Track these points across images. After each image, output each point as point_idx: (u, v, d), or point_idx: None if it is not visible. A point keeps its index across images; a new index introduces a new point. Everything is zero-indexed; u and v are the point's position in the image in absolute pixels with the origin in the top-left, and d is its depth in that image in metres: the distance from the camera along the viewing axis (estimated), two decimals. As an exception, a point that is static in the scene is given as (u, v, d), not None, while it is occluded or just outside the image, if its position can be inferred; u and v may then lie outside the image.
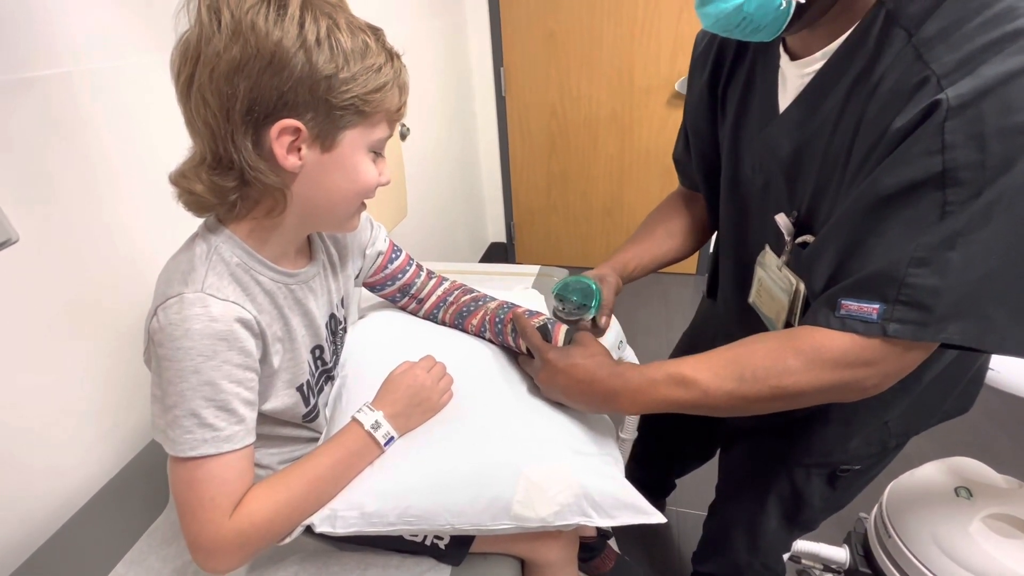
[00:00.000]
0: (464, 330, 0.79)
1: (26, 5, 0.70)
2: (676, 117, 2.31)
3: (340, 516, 0.55)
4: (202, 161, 0.50)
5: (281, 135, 0.47)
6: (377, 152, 0.55)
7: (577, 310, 0.73)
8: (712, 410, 0.58)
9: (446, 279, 0.82)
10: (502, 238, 2.88)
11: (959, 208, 0.45)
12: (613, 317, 0.77)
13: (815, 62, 0.57)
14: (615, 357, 0.69)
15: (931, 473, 1.07)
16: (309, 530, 0.59)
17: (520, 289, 1.14)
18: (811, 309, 0.56)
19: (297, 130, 0.48)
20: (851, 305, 0.50)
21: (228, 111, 0.46)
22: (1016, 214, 0.44)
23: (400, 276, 0.78)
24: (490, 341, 0.77)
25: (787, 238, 0.63)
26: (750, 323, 0.73)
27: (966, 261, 0.45)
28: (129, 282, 0.88)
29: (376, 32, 0.52)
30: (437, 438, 0.61)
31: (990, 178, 0.43)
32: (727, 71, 0.71)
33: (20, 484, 0.75)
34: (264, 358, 0.55)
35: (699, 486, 1.18)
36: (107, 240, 0.84)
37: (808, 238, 0.60)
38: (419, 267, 0.80)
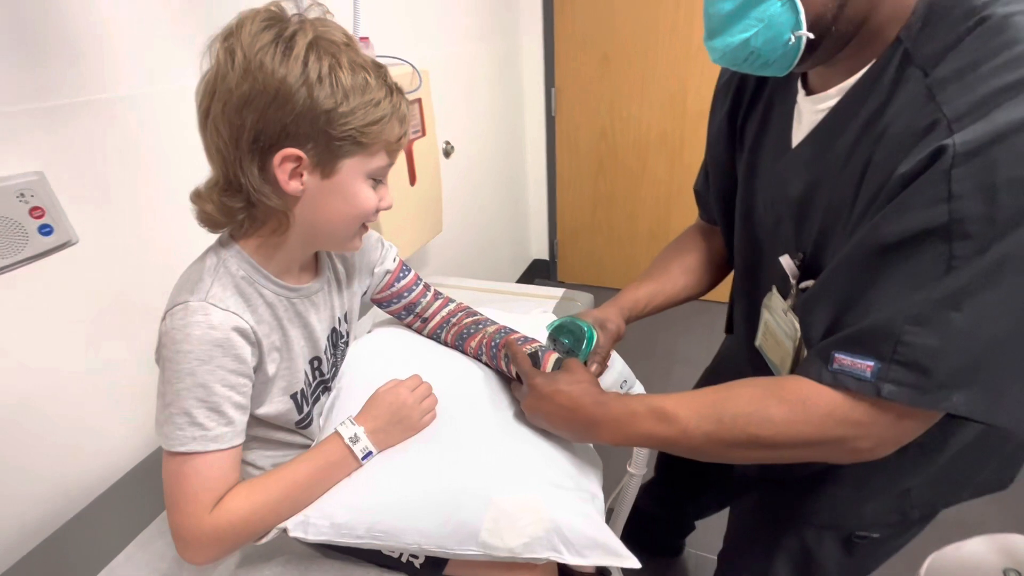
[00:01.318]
0: (463, 352, 0.80)
1: (89, 35, 0.79)
2: (729, 142, 2.24)
3: (312, 523, 0.58)
4: (216, 184, 0.55)
5: (283, 162, 0.51)
6: (377, 179, 0.58)
7: (567, 353, 0.72)
8: (691, 451, 0.56)
9: (453, 300, 0.85)
10: (545, 255, 2.89)
11: (964, 264, 0.41)
12: (617, 357, 0.76)
13: (830, 98, 0.55)
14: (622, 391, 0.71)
15: (978, 549, 0.96)
16: None
17: (538, 312, 1.14)
18: (805, 360, 0.53)
19: (298, 158, 0.51)
20: (844, 360, 0.47)
21: (237, 140, 0.51)
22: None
23: (406, 295, 0.80)
24: (486, 364, 0.78)
25: (792, 281, 0.60)
26: (760, 366, 0.70)
27: (972, 323, 0.41)
28: (169, 288, 0.96)
29: (379, 69, 0.55)
30: (414, 457, 0.62)
31: (1000, 233, 0.40)
32: (747, 102, 0.69)
33: (55, 463, 0.83)
34: (259, 366, 0.59)
35: (721, 529, 1.13)
36: (151, 248, 0.93)
37: (811, 283, 0.56)
38: (426, 287, 0.82)
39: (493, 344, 0.77)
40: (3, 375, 0.75)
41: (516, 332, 0.78)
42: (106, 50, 0.82)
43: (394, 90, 0.55)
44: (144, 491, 0.85)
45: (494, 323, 0.81)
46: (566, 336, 0.74)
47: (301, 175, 0.53)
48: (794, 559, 0.75)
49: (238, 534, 0.56)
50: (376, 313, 0.92)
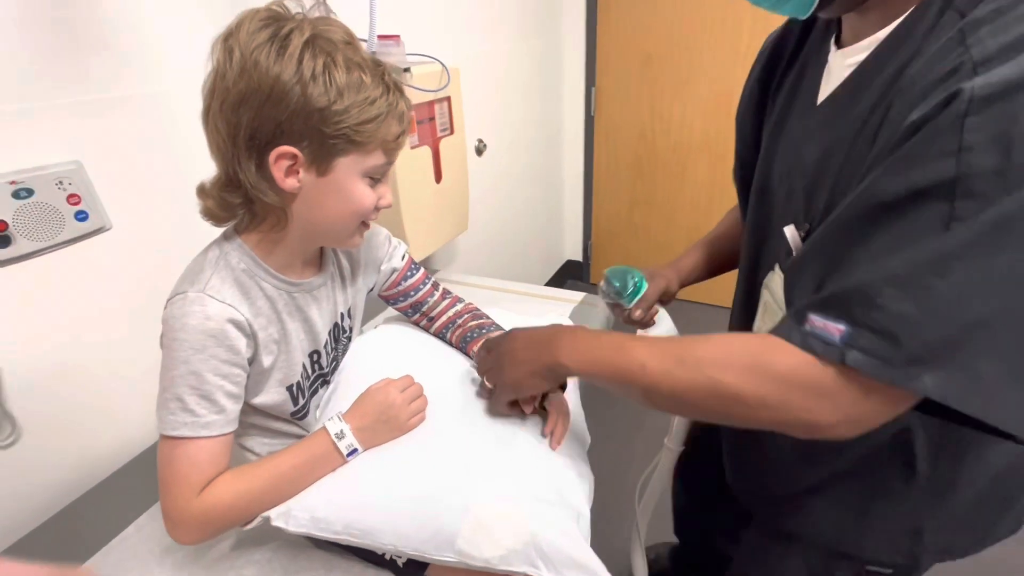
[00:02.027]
0: (467, 354, 0.80)
1: (128, 32, 0.84)
2: (776, 147, 2.14)
3: (293, 515, 0.59)
4: (218, 180, 0.56)
5: (279, 160, 0.52)
6: (375, 178, 0.58)
7: (615, 295, 0.79)
8: (649, 392, 0.51)
9: (461, 301, 0.84)
10: (578, 256, 2.85)
11: (961, 225, 0.36)
12: (666, 316, 0.82)
13: (859, 52, 0.49)
14: None
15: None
16: None
17: (555, 316, 1.12)
18: (780, 320, 0.48)
19: (294, 156, 0.52)
20: (817, 322, 0.42)
21: (234, 137, 0.52)
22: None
23: (413, 293, 0.81)
24: None
25: (795, 252, 0.54)
26: None
27: (958, 293, 0.36)
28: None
29: (376, 68, 0.55)
30: (398, 458, 0.62)
31: (1006, 193, 0.34)
32: (782, 68, 0.63)
33: (80, 437, 0.89)
34: (255, 358, 0.60)
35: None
36: (180, 237, 0.96)
37: None
38: (434, 287, 0.83)
39: None
40: (35, 353, 0.81)
41: None
42: (144, 47, 0.86)
43: (392, 88, 0.55)
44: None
45: (499, 328, 0.80)
46: (618, 279, 0.79)
47: (297, 172, 0.54)
48: None
49: (223, 518, 0.57)
50: (391, 311, 0.93)
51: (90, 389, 0.88)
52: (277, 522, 0.59)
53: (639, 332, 0.83)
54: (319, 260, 0.69)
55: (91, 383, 0.88)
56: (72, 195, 0.80)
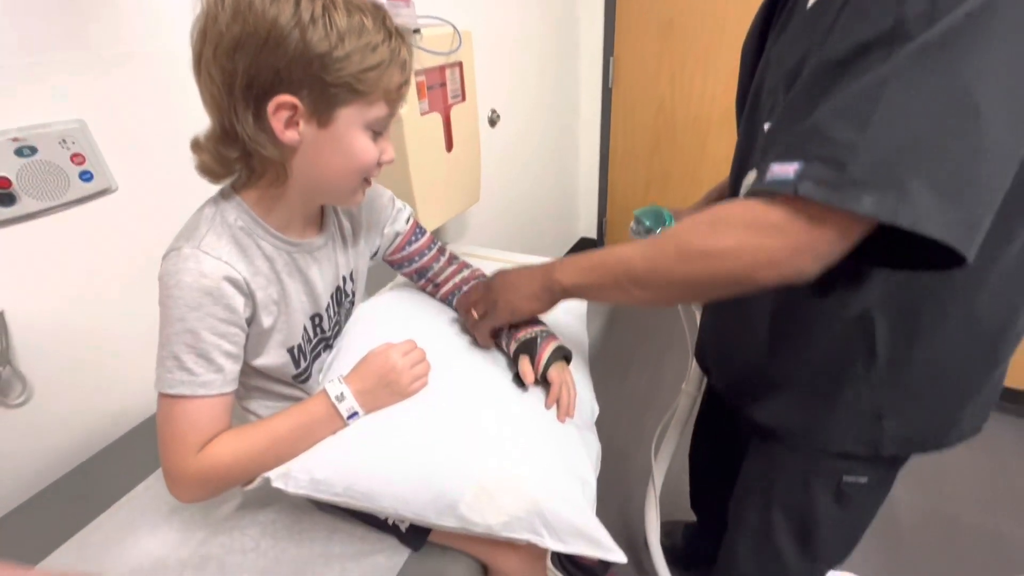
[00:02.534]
0: None
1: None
2: (801, 120, 2.05)
3: (293, 476, 0.58)
4: (213, 133, 0.54)
5: (278, 110, 0.50)
6: (376, 131, 0.55)
7: (646, 232, 0.86)
8: (633, 279, 0.54)
9: (468, 266, 0.82)
10: (593, 234, 2.81)
11: (894, 58, 0.39)
12: None
13: None
14: None
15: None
16: None
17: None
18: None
19: (293, 106, 0.50)
20: (776, 168, 0.44)
21: (230, 86, 0.49)
22: (955, 69, 0.37)
23: (417, 259, 0.79)
24: None
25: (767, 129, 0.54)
26: None
27: (889, 117, 0.39)
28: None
29: (378, 11, 0.52)
30: (399, 423, 0.61)
31: (930, 25, 0.37)
32: None
33: (90, 398, 0.89)
34: (254, 317, 0.59)
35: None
36: (184, 198, 0.95)
37: None
38: (440, 252, 0.80)
39: None
40: (44, 313, 0.81)
41: None
42: (146, 2, 0.84)
43: (394, 34, 0.52)
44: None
45: None
46: (648, 219, 0.87)
47: (297, 124, 0.51)
48: (790, 515, 0.72)
49: (222, 478, 0.57)
50: (398, 279, 0.91)
51: (98, 350, 0.89)
52: (277, 483, 0.58)
53: None
54: (320, 220, 0.67)
55: (99, 344, 0.88)
56: (76, 154, 0.79)
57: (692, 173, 2.40)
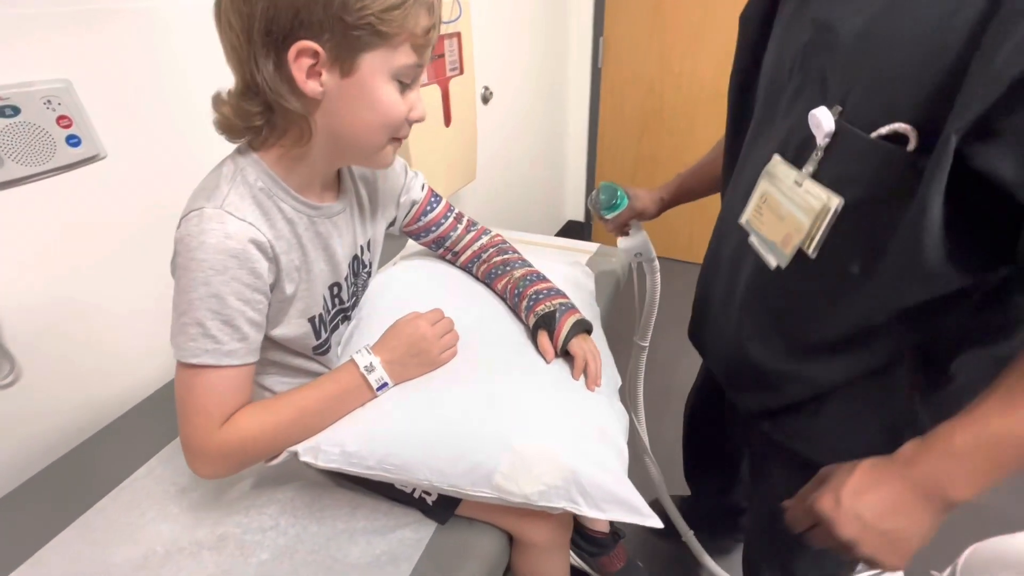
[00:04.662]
0: (493, 289, 0.77)
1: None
2: (789, 103, 2.08)
3: (323, 450, 0.56)
4: (236, 87, 0.51)
5: (299, 57, 0.47)
6: (404, 82, 0.52)
7: (596, 205, 0.93)
8: None
9: (487, 232, 0.80)
10: (580, 217, 2.80)
11: None
12: (642, 233, 0.96)
13: None
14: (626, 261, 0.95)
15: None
16: None
17: (567, 264, 1.09)
18: None
19: (315, 53, 0.47)
20: None
21: (249, 32, 0.46)
22: None
23: (434, 228, 0.76)
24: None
25: (822, 140, 0.47)
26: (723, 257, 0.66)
27: None
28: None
29: None
30: (432, 393, 0.59)
31: None
32: None
33: (82, 379, 0.85)
34: (276, 283, 0.56)
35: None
36: (182, 163, 0.91)
37: (898, 128, 0.42)
38: (457, 219, 0.78)
39: (516, 291, 0.73)
40: (31, 287, 0.76)
41: (544, 280, 0.73)
42: (133, -47, 0.78)
43: None
44: (165, 411, 0.86)
45: (523, 265, 0.76)
46: (604, 193, 0.92)
47: (319, 74, 0.48)
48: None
49: (246, 452, 0.54)
50: (410, 248, 0.89)
51: (89, 327, 0.84)
52: (305, 457, 0.56)
53: (619, 240, 0.99)
54: (337, 185, 0.64)
55: (90, 321, 0.84)
56: (62, 116, 0.74)
57: (680, 155, 2.41)
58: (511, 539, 0.68)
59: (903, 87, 0.42)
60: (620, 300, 1.16)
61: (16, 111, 0.69)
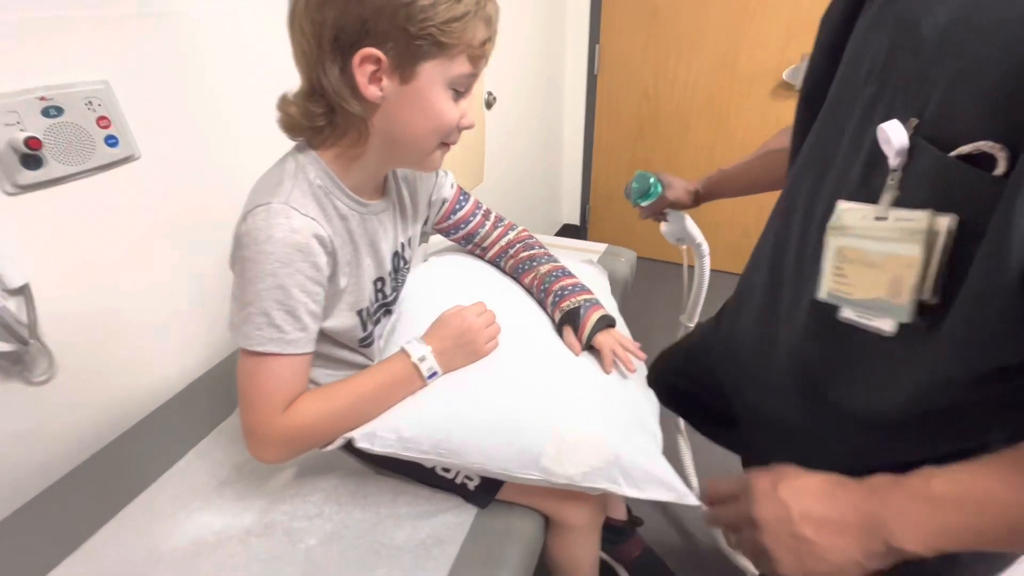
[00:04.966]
0: (520, 284, 0.80)
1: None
2: (779, 110, 2.16)
3: (379, 436, 0.59)
4: (300, 89, 0.54)
5: (363, 63, 0.50)
6: (458, 90, 0.56)
7: (633, 196, 0.96)
8: (1007, 531, 0.37)
9: (514, 228, 0.84)
10: (575, 220, 2.85)
11: None
12: (687, 219, 0.97)
13: None
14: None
15: None
16: (352, 449, 0.63)
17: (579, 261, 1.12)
18: None
19: (378, 59, 0.50)
20: None
21: (319, 38, 0.49)
22: None
23: (463, 225, 0.80)
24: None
25: (894, 160, 0.39)
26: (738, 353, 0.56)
27: None
28: (227, 207, 0.97)
29: None
30: (479, 381, 0.62)
31: None
32: None
33: (115, 375, 0.86)
34: (332, 276, 0.59)
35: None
36: (214, 166, 0.93)
37: (983, 147, 0.34)
38: (485, 216, 0.81)
39: (543, 287, 0.77)
40: (67, 285, 0.77)
41: (568, 276, 0.77)
42: (171, -41, 0.80)
43: None
44: (196, 407, 0.87)
45: (549, 261, 0.80)
46: (638, 181, 0.94)
47: (380, 80, 0.51)
48: None
49: (306, 438, 0.57)
50: (431, 245, 0.92)
51: (119, 323, 0.85)
52: (361, 443, 0.59)
53: (661, 226, 1.02)
54: (383, 186, 0.67)
55: (120, 317, 0.84)
56: (102, 117, 0.75)
57: (674, 161, 2.48)
58: (547, 522, 0.71)
59: (989, 94, 0.34)
60: (627, 300, 1.20)
61: (60, 111, 0.71)
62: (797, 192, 0.53)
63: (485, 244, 0.81)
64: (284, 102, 0.54)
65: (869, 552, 0.40)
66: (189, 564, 0.62)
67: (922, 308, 0.39)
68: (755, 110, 2.21)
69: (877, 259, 0.41)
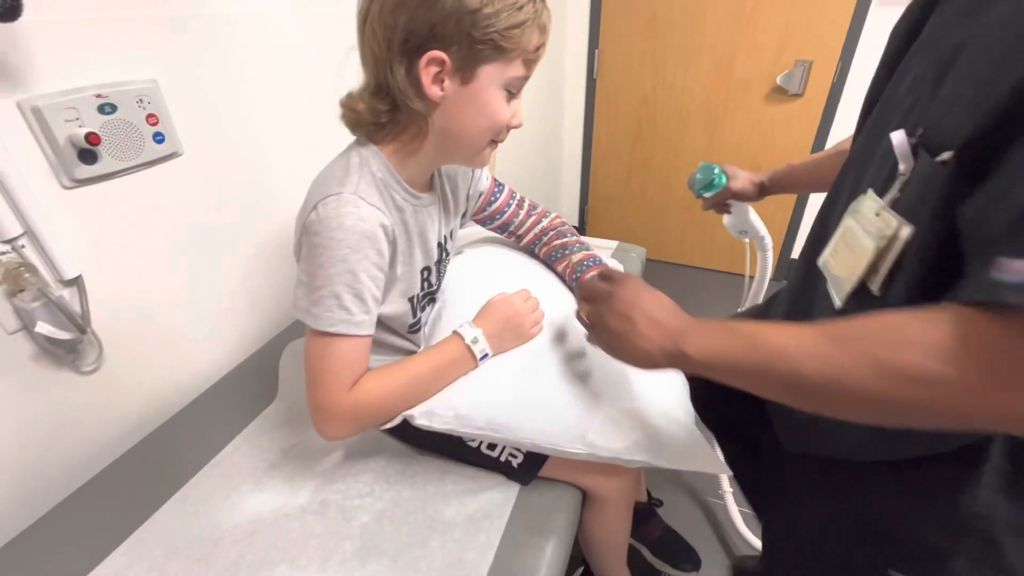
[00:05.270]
0: (554, 271, 0.85)
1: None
2: (772, 115, 2.23)
3: (437, 413, 0.62)
4: (367, 87, 0.58)
5: (428, 65, 0.54)
6: (511, 92, 0.60)
7: (696, 186, 0.97)
8: (793, 382, 0.41)
9: (548, 215, 0.89)
10: (575, 221, 2.90)
11: None
12: (740, 206, 0.99)
13: None
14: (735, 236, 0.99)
15: None
16: (395, 432, 0.66)
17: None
18: (965, 281, 0.36)
19: (442, 62, 0.54)
20: (1013, 265, 0.31)
21: (390, 41, 0.53)
22: None
23: (499, 216, 0.84)
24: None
25: (902, 166, 0.43)
26: (806, 299, 0.56)
27: None
28: (263, 205, 1.00)
29: None
30: (527, 363, 0.67)
31: None
32: None
33: (152, 367, 0.88)
34: (391, 264, 0.62)
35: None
36: (246, 161, 0.95)
37: (945, 156, 0.38)
38: (519, 205, 0.86)
39: (575, 276, 0.81)
40: (115, 276, 0.79)
41: (600, 265, 0.82)
42: (216, -36, 0.83)
43: None
44: (237, 394, 0.90)
45: (580, 249, 0.84)
46: (702, 172, 0.96)
47: (442, 80, 0.55)
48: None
49: (371, 414, 0.60)
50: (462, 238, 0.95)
51: (161, 313, 0.87)
52: (420, 420, 0.62)
53: (723, 218, 1.04)
54: (431, 181, 0.71)
55: (162, 308, 0.87)
56: (151, 115, 0.78)
57: (671, 163, 2.54)
58: (584, 497, 0.75)
59: (978, 105, 0.36)
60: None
61: (114, 108, 0.73)
62: (842, 185, 0.57)
63: (520, 232, 0.86)
64: (351, 99, 0.58)
65: (664, 350, 0.49)
66: (250, 541, 0.65)
67: (866, 296, 0.45)
68: (750, 114, 2.28)
69: (856, 246, 0.47)
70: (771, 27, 2.11)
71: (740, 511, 1.23)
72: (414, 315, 0.70)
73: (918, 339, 0.35)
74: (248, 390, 0.90)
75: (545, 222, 0.87)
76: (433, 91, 0.55)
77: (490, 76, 0.57)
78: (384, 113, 0.57)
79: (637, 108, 2.48)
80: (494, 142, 0.63)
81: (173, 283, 0.87)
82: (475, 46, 0.54)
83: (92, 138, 0.69)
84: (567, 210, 2.89)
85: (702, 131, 2.41)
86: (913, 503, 0.50)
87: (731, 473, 0.64)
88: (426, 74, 0.54)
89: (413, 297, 0.68)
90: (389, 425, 0.64)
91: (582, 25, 2.40)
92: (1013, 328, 0.31)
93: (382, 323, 0.68)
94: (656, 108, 2.45)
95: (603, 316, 0.54)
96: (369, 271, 0.57)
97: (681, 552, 1.05)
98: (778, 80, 2.16)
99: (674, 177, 2.57)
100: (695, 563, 1.06)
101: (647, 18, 2.28)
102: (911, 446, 0.48)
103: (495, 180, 0.84)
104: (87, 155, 0.71)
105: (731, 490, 1.22)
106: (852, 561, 0.55)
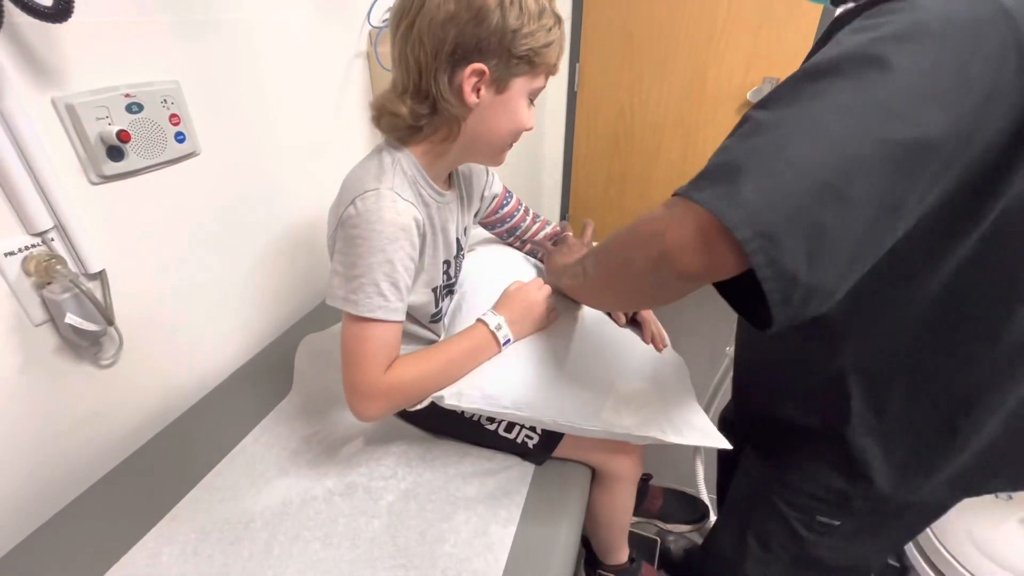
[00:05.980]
0: None
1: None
2: (743, 128, 2.37)
3: (465, 394, 0.67)
4: (403, 91, 0.62)
5: (471, 75, 0.59)
6: (532, 100, 0.66)
7: None
8: (582, 283, 0.61)
9: (550, 223, 0.94)
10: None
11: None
12: None
13: None
14: None
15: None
16: (413, 418, 0.70)
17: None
18: None
19: (483, 72, 0.59)
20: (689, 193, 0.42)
21: (437, 52, 0.58)
22: (806, 105, 0.39)
23: (508, 220, 0.89)
24: None
25: None
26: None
27: (753, 129, 0.40)
28: (276, 203, 1.03)
29: (550, 0, 0.63)
30: (546, 347, 0.72)
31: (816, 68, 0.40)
32: None
33: (169, 360, 0.89)
34: (420, 255, 0.67)
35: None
36: (258, 162, 0.98)
37: None
38: (526, 212, 0.92)
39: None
40: (136, 271, 0.81)
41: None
42: (236, -27, 0.87)
43: (560, 19, 0.63)
44: (253, 386, 0.92)
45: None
46: None
47: (479, 89, 0.61)
48: (760, 537, 0.71)
49: (405, 395, 0.64)
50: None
51: (179, 308, 0.89)
52: (450, 400, 0.66)
53: None
54: (450, 179, 0.76)
55: (180, 302, 0.88)
56: (174, 115, 0.80)
57: (647, 173, 2.66)
58: (593, 475, 0.81)
59: None
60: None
61: (140, 108, 0.76)
62: None
63: (525, 237, 0.92)
64: (392, 103, 0.62)
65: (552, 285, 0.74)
66: (280, 521, 0.68)
67: None
68: (722, 128, 2.42)
69: None
70: (737, 49, 2.25)
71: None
72: (436, 304, 0.74)
73: (653, 215, 0.45)
74: (265, 383, 0.92)
75: (548, 230, 0.93)
76: (471, 98, 0.61)
77: (520, 87, 0.63)
78: (424, 116, 0.62)
79: (615, 121, 2.59)
80: (510, 144, 0.69)
81: (189, 278, 0.89)
82: (512, 60, 0.60)
83: (123, 135, 0.72)
84: (549, 217, 2.96)
85: (677, 144, 2.53)
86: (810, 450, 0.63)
87: (731, 447, 0.70)
88: (468, 83, 0.60)
89: (436, 288, 0.73)
90: (420, 406, 0.68)
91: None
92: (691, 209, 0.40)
93: (407, 312, 0.72)
94: (634, 121, 2.56)
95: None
96: (403, 261, 0.62)
97: (688, 507, 1.14)
98: (748, 96, 2.30)
99: (650, 188, 2.68)
100: (705, 512, 1.15)
101: (623, 36, 2.40)
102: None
103: (506, 187, 0.89)
104: (115, 152, 0.73)
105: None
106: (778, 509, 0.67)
